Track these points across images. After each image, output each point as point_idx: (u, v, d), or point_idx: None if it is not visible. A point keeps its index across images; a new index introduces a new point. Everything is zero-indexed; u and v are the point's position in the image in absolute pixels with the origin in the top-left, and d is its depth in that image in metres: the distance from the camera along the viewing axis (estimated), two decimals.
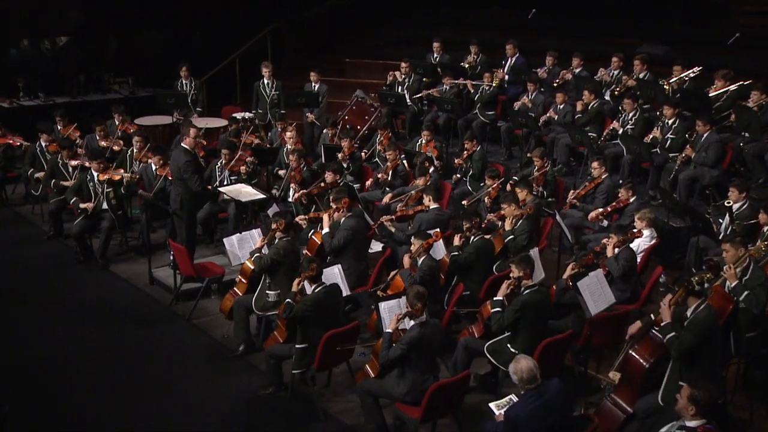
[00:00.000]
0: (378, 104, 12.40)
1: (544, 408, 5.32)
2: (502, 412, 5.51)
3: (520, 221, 8.22)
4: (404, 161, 10.39)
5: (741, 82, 10.28)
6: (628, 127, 10.50)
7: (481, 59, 12.85)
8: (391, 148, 10.36)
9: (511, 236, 8.16)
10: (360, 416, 6.57)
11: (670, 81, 10.79)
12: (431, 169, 9.75)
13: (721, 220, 8.40)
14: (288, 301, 6.67)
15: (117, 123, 11.79)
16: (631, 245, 7.69)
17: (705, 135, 9.51)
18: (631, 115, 10.55)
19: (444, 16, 16.12)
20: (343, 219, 8.15)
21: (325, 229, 8.14)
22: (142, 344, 7.88)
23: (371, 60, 15.08)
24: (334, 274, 7.41)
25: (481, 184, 9.77)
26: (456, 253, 7.76)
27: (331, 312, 6.82)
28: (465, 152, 10.45)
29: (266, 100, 12.59)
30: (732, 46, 12.12)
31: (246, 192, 9.21)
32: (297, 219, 8.75)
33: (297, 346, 6.71)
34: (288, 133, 10.69)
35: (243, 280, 7.80)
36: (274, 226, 7.65)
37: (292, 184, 9.92)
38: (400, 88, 12.60)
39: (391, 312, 6.53)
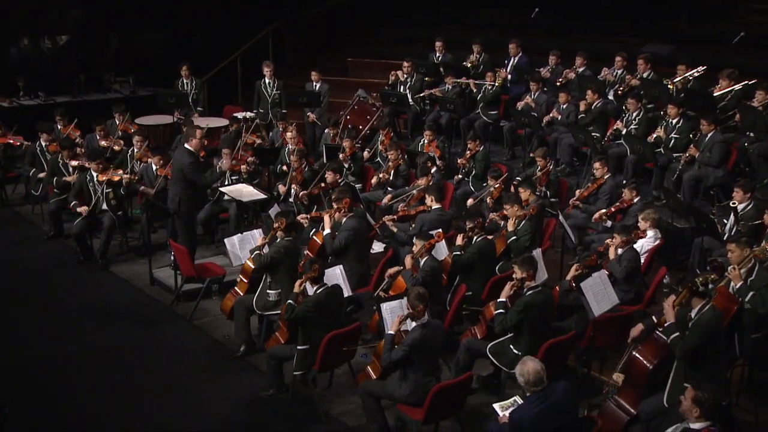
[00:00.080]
0: (380, 104, 12.36)
1: (550, 410, 5.27)
2: (506, 414, 5.47)
3: (523, 222, 8.18)
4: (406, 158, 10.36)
5: (746, 82, 10.22)
6: (632, 126, 10.46)
7: (483, 58, 12.81)
8: (392, 148, 10.32)
9: (514, 237, 8.12)
10: (361, 418, 6.54)
11: (674, 80, 10.74)
12: (433, 169, 9.71)
13: (725, 221, 8.36)
14: (290, 302, 6.64)
15: (117, 122, 11.77)
16: (635, 246, 7.65)
17: (709, 135, 9.46)
18: (634, 114, 10.50)
19: (444, 16, 16.10)
20: (344, 219, 8.12)
21: (327, 230, 8.10)
22: (143, 345, 7.86)
23: (373, 59, 15.04)
24: (335, 274, 7.37)
25: (484, 184, 9.73)
26: (458, 253, 7.72)
27: (332, 313, 6.79)
28: (468, 152, 10.40)
29: (267, 99, 12.56)
30: (737, 46, 12.07)
31: (247, 192, 9.18)
32: (298, 218, 8.71)
33: (299, 347, 6.67)
34: (288, 134, 10.66)
35: (244, 279, 7.77)
36: (275, 225, 7.62)
37: (293, 185, 9.89)
38: (402, 87, 12.55)
39: (392, 313, 6.50)
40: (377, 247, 8.99)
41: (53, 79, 14.35)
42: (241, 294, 7.70)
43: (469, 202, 9.64)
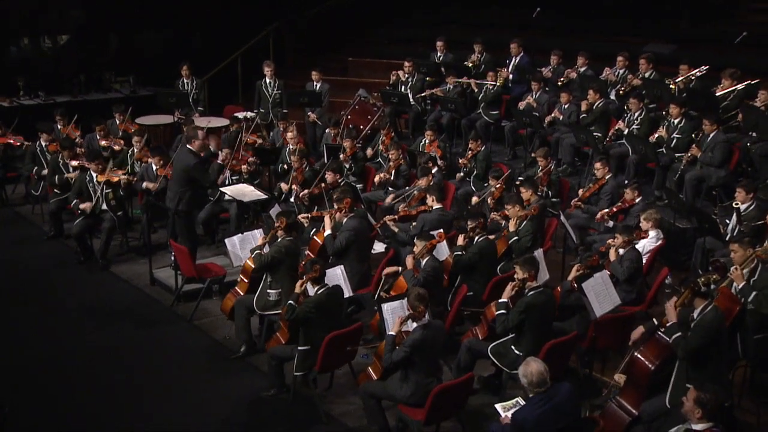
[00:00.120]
0: (381, 104, 12.34)
1: (554, 412, 5.25)
2: (509, 415, 5.45)
3: (525, 222, 8.15)
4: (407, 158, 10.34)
5: (748, 81, 10.20)
6: (634, 126, 10.43)
7: (485, 58, 12.78)
8: (393, 148, 10.30)
9: (516, 237, 8.10)
10: (362, 418, 6.52)
11: (677, 80, 10.71)
12: (434, 169, 9.69)
13: (727, 221, 8.33)
14: (290, 303, 6.62)
15: (118, 122, 11.74)
16: (637, 246, 7.63)
17: (711, 135, 9.43)
18: (636, 114, 10.48)
19: (444, 16, 16.08)
20: (345, 220, 8.09)
21: (327, 231, 8.08)
22: (143, 345, 7.84)
23: (374, 59, 15.02)
24: (336, 275, 7.35)
25: (485, 184, 9.71)
26: (459, 253, 7.69)
27: (333, 313, 6.77)
28: (469, 152, 10.38)
29: (268, 99, 12.54)
30: (739, 45, 12.02)
31: (248, 192, 9.15)
32: (299, 217, 8.69)
33: (299, 347, 6.65)
34: (289, 134, 10.64)
35: (244, 279, 7.75)
36: (276, 224, 7.60)
37: (293, 185, 9.87)
38: (403, 87, 12.53)
39: (394, 313, 6.49)
40: (378, 247, 8.96)
41: (53, 78, 14.33)
42: (242, 294, 7.69)
43: (474, 199, 9.62)
